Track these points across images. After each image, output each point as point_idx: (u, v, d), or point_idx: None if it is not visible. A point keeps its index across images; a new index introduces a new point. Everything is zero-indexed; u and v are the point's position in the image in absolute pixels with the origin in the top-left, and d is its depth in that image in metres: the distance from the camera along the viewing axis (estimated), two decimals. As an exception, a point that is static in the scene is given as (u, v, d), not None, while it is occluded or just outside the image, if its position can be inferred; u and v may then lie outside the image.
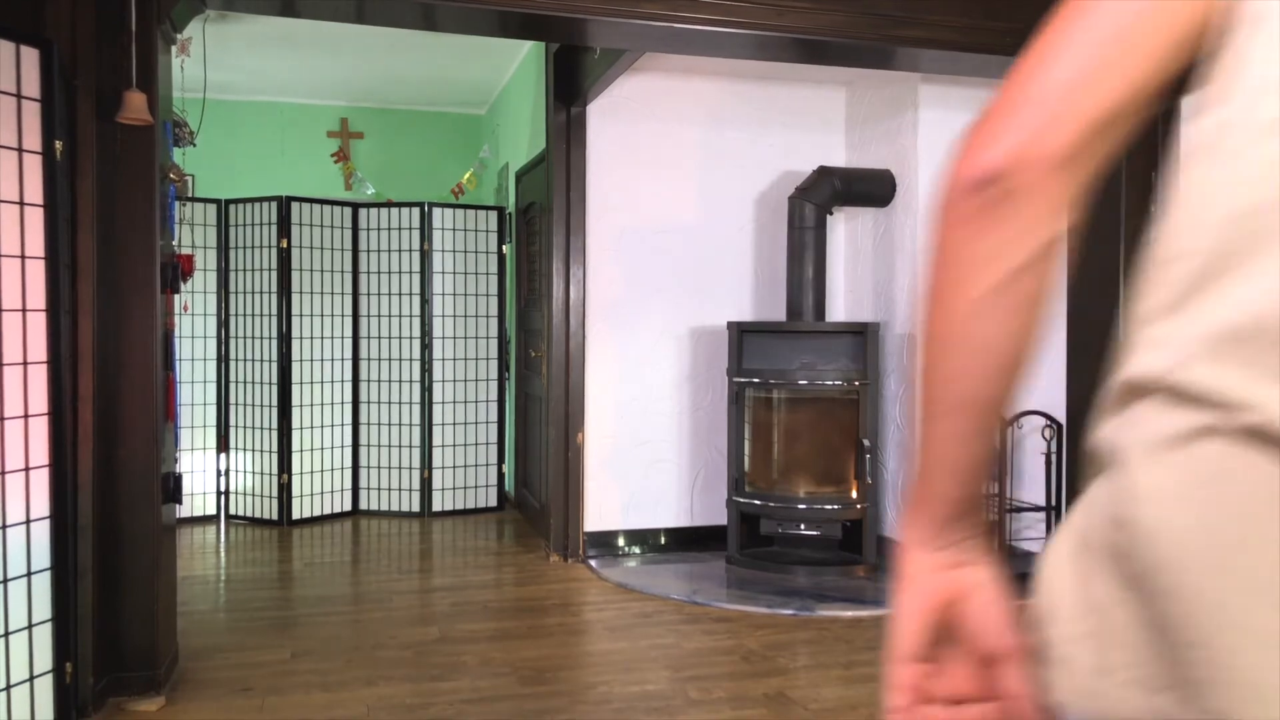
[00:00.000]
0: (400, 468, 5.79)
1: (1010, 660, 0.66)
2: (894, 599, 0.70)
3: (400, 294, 5.76)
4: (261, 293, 5.49)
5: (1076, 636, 0.59)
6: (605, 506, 4.80)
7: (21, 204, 2.52)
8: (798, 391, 4.53)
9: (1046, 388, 3.73)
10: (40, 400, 2.57)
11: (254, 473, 5.56)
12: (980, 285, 0.61)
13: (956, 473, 0.67)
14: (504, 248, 5.94)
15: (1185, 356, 0.54)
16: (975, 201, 0.60)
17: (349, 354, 5.75)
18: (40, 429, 2.57)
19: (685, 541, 4.87)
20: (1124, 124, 0.61)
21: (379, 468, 5.81)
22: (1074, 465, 4.15)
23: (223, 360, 5.61)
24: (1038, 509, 4.33)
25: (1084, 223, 0.65)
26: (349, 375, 5.75)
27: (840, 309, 5.01)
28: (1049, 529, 4.31)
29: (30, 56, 2.53)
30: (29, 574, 2.54)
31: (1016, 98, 0.60)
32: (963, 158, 0.61)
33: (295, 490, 5.50)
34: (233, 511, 5.62)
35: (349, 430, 5.76)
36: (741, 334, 4.50)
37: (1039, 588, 0.62)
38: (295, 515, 5.49)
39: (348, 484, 5.79)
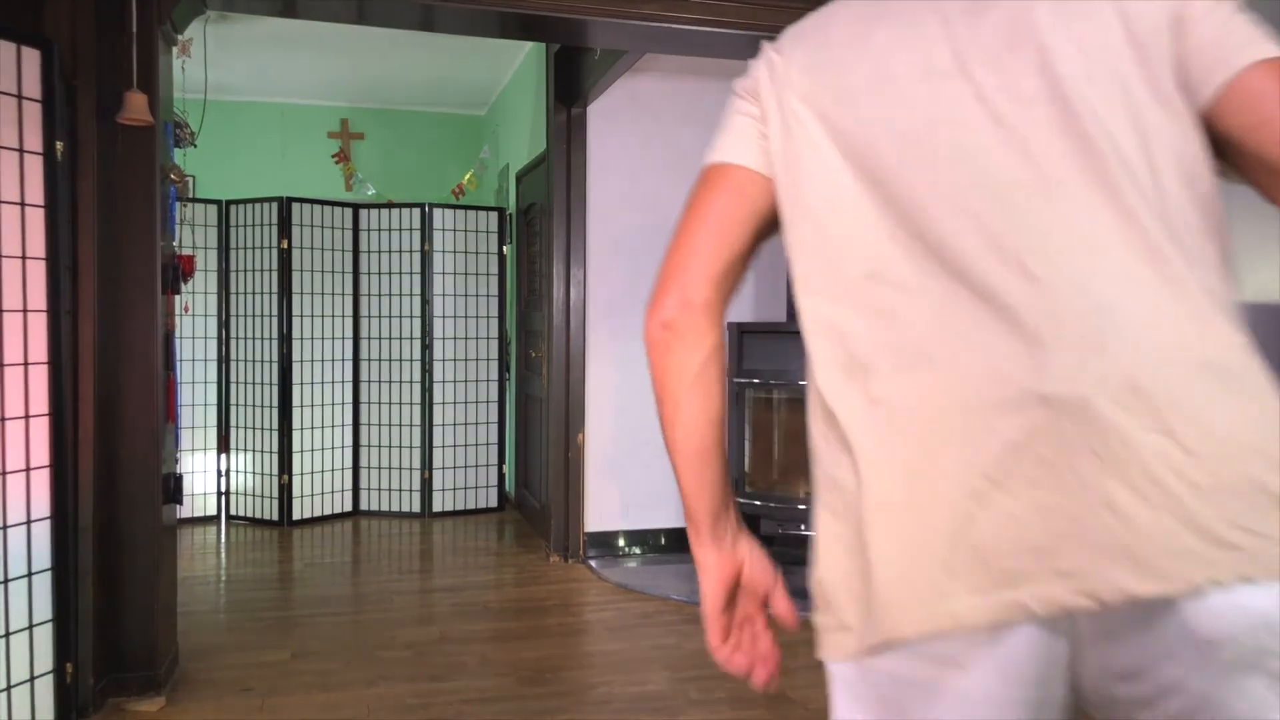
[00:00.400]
0: (400, 468, 5.79)
1: (776, 592, 1.05)
2: (699, 581, 1.05)
3: (401, 295, 5.76)
4: (262, 293, 5.49)
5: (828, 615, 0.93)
6: (605, 507, 4.80)
7: (22, 205, 2.52)
8: (798, 392, 4.53)
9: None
10: (41, 401, 2.57)
11: (254, 473, 5.56)
12: (681, 382, 0.99)
13: (704, 494, 1.03)
14: (504, 248, 5.94)
15: None
16: (663, 337, 1.00)
17: (349, 354, 5.75)
18: (41, 429, 2.57)
19: (685, 542, 4.86)
20: (738, 268, 1.02)
21: (379, 468, 5.81)
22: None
23: (223, 361, 5.61)
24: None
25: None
26: (349, 376, 5.75)
27: (840, 309, 5.01)
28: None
29: (31, 57, 2.54)
30: (29, 574, 2.54)
31: (667, 276, 1.01)
32: (650, 315, 1.00)
33: (295, 491, 5.50)
34: (233, 512, 5.62)
35: (349, 431, 5.76)
36: (742, 334, 4.50)
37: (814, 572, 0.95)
38: (295, 516, 5.49)
39: (348, 484, 5.79)
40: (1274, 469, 0.78)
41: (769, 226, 1.03)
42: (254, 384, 5.53)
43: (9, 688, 2.49)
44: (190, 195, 5.52)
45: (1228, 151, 0.87)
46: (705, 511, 1.03)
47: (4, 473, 2.47)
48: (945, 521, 0.83)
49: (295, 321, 5.47)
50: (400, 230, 5.75)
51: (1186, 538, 0.76)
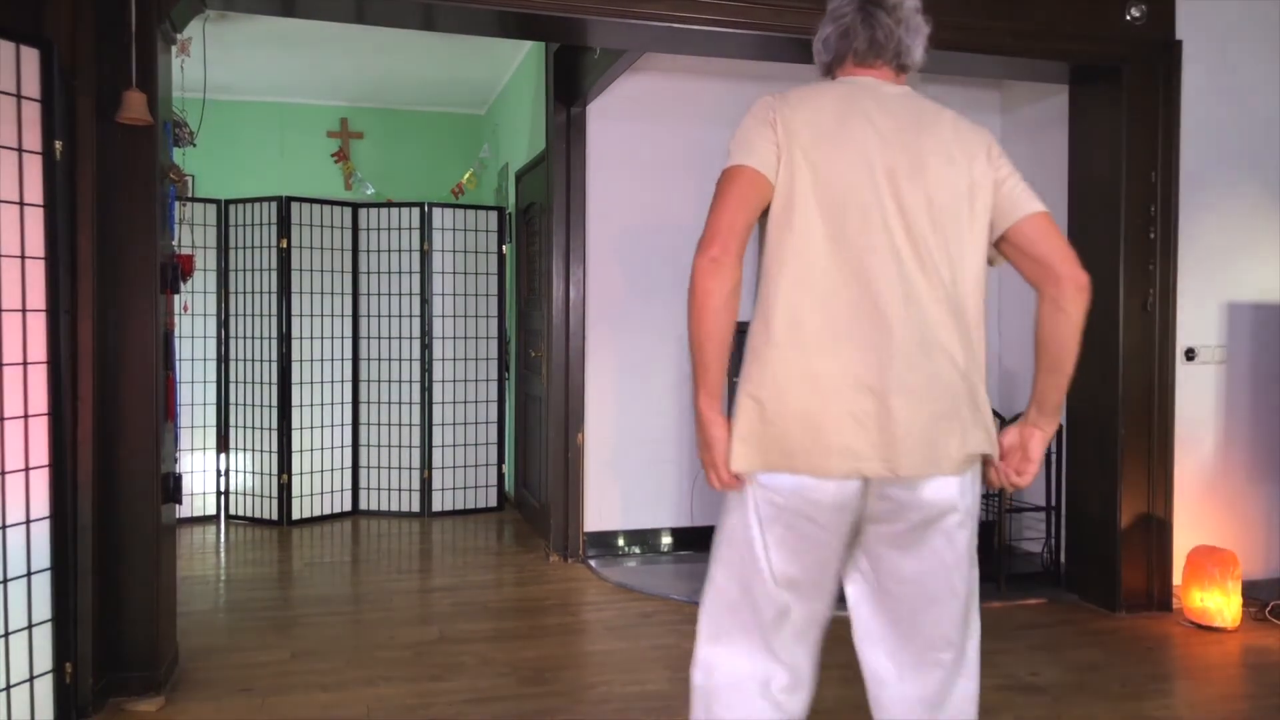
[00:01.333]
0: (400, 468, 5.80)
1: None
2: (705, 433, 1.69)
3: (400, 294, 5.76)
4: (261, 293, 5.49)
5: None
6: (605, 506, 4.80)
7: (21, 204, 2.52)
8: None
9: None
10: (40, 400, 2.57)
11: (254, 473, 5.56)
12: (719, 297, 1.62)
13: (722, 374, 1.67)
14: (504, 248, 5.94)
15: None
16: (711, 267, 1.61)
17: (349, 354, 5.75)
18: (40, 429, 2.57)
19: (685, 541, 4.87)
20: (750, 229, 1.64)
21: (379, 468, 5.81)
22: (1074, 467, 4.15)
23: (223, 360, 5.61)
24: (1038, 509, 4.33)
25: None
26: (349, 375, 5.75)
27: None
28: (1049, 529, 4.31)
29: (30, 56, 2.53)
30: (29, 574, 2.54)
31: (715, 230, 1.62)
32: (701, 253, 1.62)
33: (295, 490, 5.50)
34: (233, 511, 5.63)
35: (349, 430, 5.76)
36: (741, 334, 4.49)
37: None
38: (295, 515, 5.49)
39: (348, 484, 5.79)
40: (964, 447, 1.65)
41: (761, 215, 1.67)
42: (253, 383, 5.53)
43: (8, 688, 2.49)
44: (189, 194, 5.53)
45: (1010, 253, 1.72)
46: (720, 385, 1.67)
47: (3, 472, 2.47)
48: (832, 430, 1.60)
49: (294, 321, 5.47)
50: (400, 229, 5.75)
51: (925, 453, 1.62)
